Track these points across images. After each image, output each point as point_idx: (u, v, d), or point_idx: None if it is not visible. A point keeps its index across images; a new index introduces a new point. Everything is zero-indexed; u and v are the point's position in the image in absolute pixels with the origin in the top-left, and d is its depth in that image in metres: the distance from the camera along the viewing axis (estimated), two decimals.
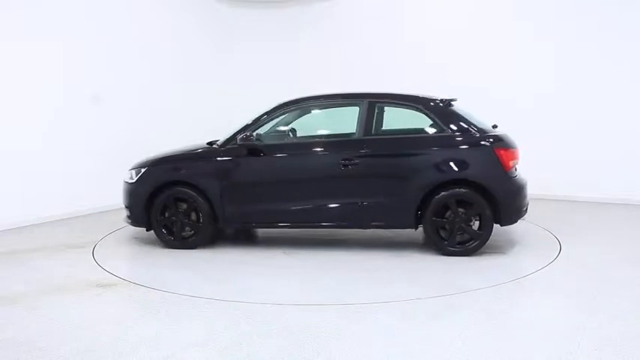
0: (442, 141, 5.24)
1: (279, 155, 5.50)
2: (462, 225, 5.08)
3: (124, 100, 8.11)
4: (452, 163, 5.14)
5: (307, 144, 5.71)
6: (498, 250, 5.35)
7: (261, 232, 6.32)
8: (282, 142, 5.73)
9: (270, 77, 9.93)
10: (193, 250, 5.51)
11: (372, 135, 5.38)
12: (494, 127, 5.54)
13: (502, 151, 5.10)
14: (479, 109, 8.89)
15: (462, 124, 5.26)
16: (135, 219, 5.73)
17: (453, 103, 5.50)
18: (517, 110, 8.48)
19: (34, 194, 6.85)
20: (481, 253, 5.22)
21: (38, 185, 6.88)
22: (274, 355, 3.09)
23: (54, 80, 7.12)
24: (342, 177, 5.23)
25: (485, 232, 5.10)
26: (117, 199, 7.90)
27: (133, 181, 5.74)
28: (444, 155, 5.16)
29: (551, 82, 8.22)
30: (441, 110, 5.33)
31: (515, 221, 5.28)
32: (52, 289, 4.33)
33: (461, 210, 5.08)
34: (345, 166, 5.20)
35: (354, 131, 5.39)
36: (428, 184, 5.10)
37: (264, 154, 5.44)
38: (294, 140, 5.91)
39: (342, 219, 5.38)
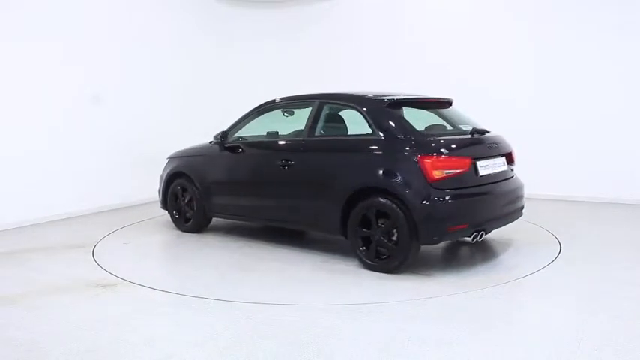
0: (364, 144, 4.83)
1: (239, 154, 5.82)
2: (381, 238, 4.57)
3: (125, 101, 8.11)
4: (370, 169, 4.66)
5: (260, 144, 5.83)
6: (498, 250, 5.35)
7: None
8: (241, 142, 5.90)
9: (272, 77, 9.93)
10: (194, 250, 5.52)
11: (314, 136, 5.25)
12: (475, 131, 4.96)
13: (426, 159, 4.40)
14: (479, 109, 8.92)
15: (394, 126, 4.72)
16: (160, 201, 6.67)
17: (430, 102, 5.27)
18: (517, 110, 8.48)
19: (35, 194, 6.85)
20: (480, 253, 5.22)
21: (39, 185, 6.89)
22: (274, 355, 3.09)
23: (54, 81, 7.12)
24: (283, 177, 5.30)
25: (400, 248, 4.49)
26: (117, 199, 7.95)
27: (163, 168, 6.66)
28: (364, 160, 4.74)
29: (551, 82, 8.22)
30: (375, 111, 4.86)
31: (438, 241, 4.63)
32: (52, 289, 4.33)
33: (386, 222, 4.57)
34: (284, 166, 5.25)
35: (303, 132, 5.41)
36: (347, 191, 4.74)
37: (231, 153, 5.86)
38: (251, 140, 5.93)
39: (285, 219, 5.48)
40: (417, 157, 4.44)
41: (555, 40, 8.17)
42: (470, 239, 4.62)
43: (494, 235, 5.31)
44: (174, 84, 9.01)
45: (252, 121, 5.95)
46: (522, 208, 5.30)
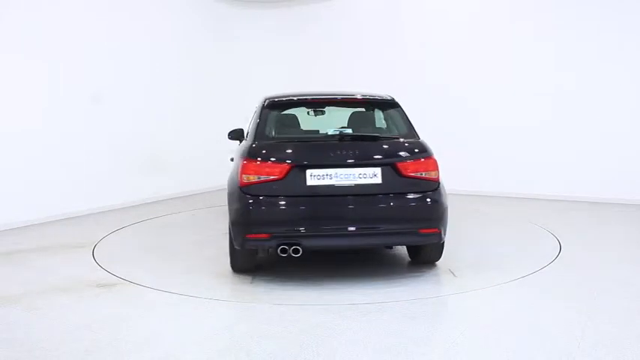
0: (242, 146, 4.86)
1: None
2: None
3: (124, 101, 8.11)
4: (232, 171, 4.75)
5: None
6: (498, 250, 5.35)
7: None
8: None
9: (271, 76, 9.94)
10: (195, 250, 5.52)
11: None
12: (344, 136, 4.48)
13: (242, 163, 4.33)
14: (479, 108, 8.92)
15: (253, 128, 4.66)
16: None
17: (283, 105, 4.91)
18: (517, 110, 8.49)
19: (35, 194, 6.86)
20: (479, 254, 5.22)
21: (38, 185, 6.89)
22: (274, 355, 3.09)
23: (55, 80, 7.13)
24: None
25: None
26: (117, 199, 7.95)
27: None
28: (237, 161, 4.70)
29: (551, 82, 8.23)
30: (258, 112, 4.81)
31: (243, 247, 4.30)
32: (52, 289, 4.33)
33: None
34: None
35: None
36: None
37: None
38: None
39: None
40: (240, 160, 4.41)
41: (555, 40, 8.18)
42: (278, 252, 4.15)
43: (494, 235, 5.30)
44: (174, 84, 9.02)
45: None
46: (427, 232, 4.31)
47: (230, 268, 4.76)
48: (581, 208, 7.56)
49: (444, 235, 4.41)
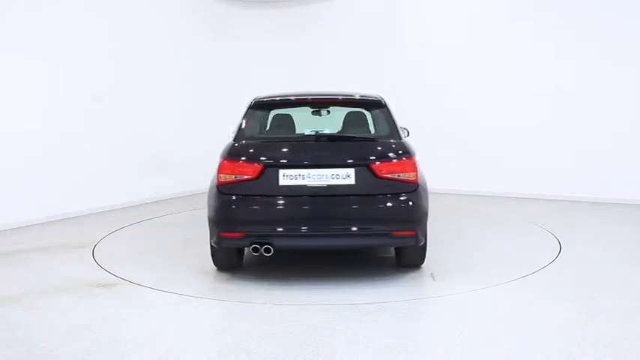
0: None
1: None
2: None
3: (124, 101, 8.11)
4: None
5: None
6: (498, 250, 5.35)
7: None
8: None
9: (271, 76, 9.94)
10: (196, 250, 5.52)
11: None
12: (320, 137, 4.53)
13: (220, 162, 4.38)
14: (479, 108, 8.93)
15: (237, 127, 4.75)
16: None
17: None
18: (517, 110, 8.49)
19: (35, 194, 6.86)
20: (480, 254, 5.22)
21: (38, 185, 6.89)
22: (274, 355, 3.09)
23: (55, 80, 7.13)
24: None
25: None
26: (117, 199, 7.95)
27: None
28: None
29: (551, 82, 8.23)
30: (244, 112, 4.91)
31: (219, 245, 4.37)
32: (52, 289, 4.33)
33: None
34: None
35: None
36: None
37: None
38: None
39: None
40: (219, 159, 4.43)
41: (555, 40, 8.19)
42: (251, 251, 4.21)
43: (494, 235, 5.30)
44: (174, 84, 9.02)
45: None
46: (402, 234, 4.22)
47: (232, 269, 4.77)
48: (581, 208, 7.56)
49: (423, 237, 4.34)
